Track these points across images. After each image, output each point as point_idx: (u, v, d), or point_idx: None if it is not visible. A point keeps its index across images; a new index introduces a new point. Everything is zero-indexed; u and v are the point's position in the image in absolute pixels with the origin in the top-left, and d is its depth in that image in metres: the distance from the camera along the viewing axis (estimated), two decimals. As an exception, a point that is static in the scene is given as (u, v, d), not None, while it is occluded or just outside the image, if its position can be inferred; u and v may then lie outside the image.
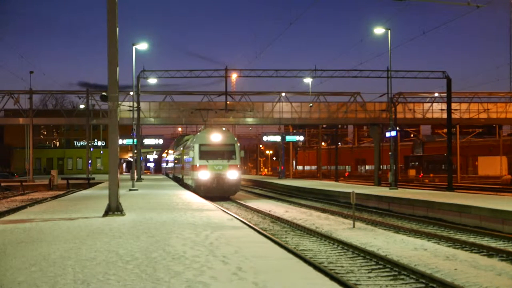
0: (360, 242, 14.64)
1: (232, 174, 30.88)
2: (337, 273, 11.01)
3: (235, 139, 32.73)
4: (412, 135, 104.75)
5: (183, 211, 17.92)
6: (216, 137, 31.60)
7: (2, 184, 45.36)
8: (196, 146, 31.39)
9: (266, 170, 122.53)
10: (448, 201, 21.29)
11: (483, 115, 55.20)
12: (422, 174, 78.88)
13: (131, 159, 56.44)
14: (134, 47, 35.59)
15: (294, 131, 74.06)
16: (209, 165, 30.85)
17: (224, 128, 36.94)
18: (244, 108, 52.20)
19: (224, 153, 31.28)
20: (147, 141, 55.74)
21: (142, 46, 35.86)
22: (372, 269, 11.62)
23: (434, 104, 54.36)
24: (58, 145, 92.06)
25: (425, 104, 54.83)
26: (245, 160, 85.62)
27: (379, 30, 34.28)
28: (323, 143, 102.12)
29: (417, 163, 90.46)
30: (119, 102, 16.93)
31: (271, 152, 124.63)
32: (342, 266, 12.00)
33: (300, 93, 55.54)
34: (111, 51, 16.33)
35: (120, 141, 44.76)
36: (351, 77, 50.79)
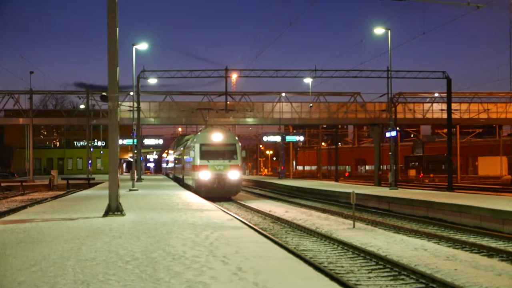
0: (360, 242, 14.64)
1: (233, 175, 30.74)
2: (337, 273, 11.01)
3: (236, 139, 32.56)
4: (412, 135, 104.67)
5: (183, 211, 17.92)
6: (217, 137, 31.48)
7: (2, 184, 45.36)
8: (197, 146, 31.28)
9: (266, 170, 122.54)
10: (448, 201, 21.28)
11: (483, 115, 55.17)
12: (422, 174, 78.87)
13: (131, 159, 56.43)
14: (134, 47, 35.57)
15: (294, 131, 74.10)
16: (210, 165, 30.73)
17: (224, 128, 36.89)
18: (244, 108, 52.16)
19: (225, 153, 31.15)
20: (147, 141, 55.72)
21: (142, 46, 35.84)
22: (372, 269, 11.62)
23: (434, 104, 54.33)
24: (58, 145, 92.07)
25: (425, 104, 54.79)
26: (245, 161, 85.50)
27: (379, 30, 34.24)
28: (323, 143, 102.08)
29: (417, 163, 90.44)
30: (119, 102, 16.92)
31: (271, 152, 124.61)
32: (342, 266, 12.00)
33: (300, 93, 55.52)
34: (111, 51, 16.32)
35: (120, 141, 44.75)
36: (351, 77, 50.75)
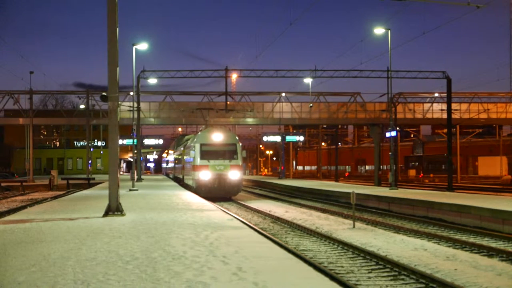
0: (360, 242, 14.64)
1: (234, 175, 30.61)
2: (337, 273, 11.01)
3: (237, 138, 32.40)
4: (412, 135, 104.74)
5: (183, 211, 17.91)
6: (217, 137, 31.37)
7: (2, 184, 45.38)
8: (197, 146, 31.19)
9: (266, 170, 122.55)
10: (448, 201, 21.28)
11: (483, 115, 55.20)
12: (422, 174, 78.89)
13: (131, 159, 56.43)
14: (134, 47, 35.56)
15: (294, 131, 74.12)
16: (210, 165, 30.61)
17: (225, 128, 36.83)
18: (244, 108, 52.18)
19: (225, 153, 31.03)
20: (147, 141, 55.75)
21: (142, 46, 35.82)
22: (372, 269, 11.62)
23: (434, 104, 54.37)
24: (58, 145, 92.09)
25: (425, 104, 54.84)
26: (245, 161, 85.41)
27: (379, 30, 34.24)
28: (323, 143, 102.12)
29: (417, 163, 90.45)
30: (119, 102, 16.91)
31: (271, 152, 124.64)
32: (342, 266, 12.00)
33: (300, 93, 55.56)
34: (111, 51, 16.31)
35: (120, 141, 44.75)
36: (351, 77, 50.81)
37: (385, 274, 11.17)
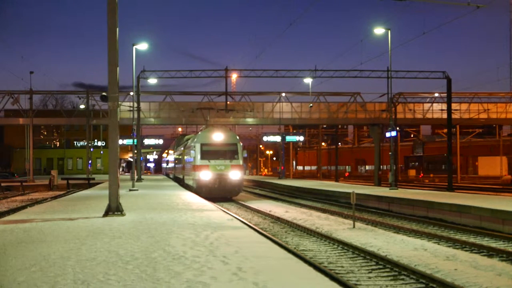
0: (360, 242, 14.65)
1: (235, 175, 30.51)
2: (337, 273, 11.01)
3: (237, 138, 32.28)
4: (412, 135, 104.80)
5: (183, 211, 17.92)
6: (218, 137, 31.27)
7: (2, 184, 45.34)
8: (197, 146, 31.10)
9: (266, 170, 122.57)
10: (448, 201, 21.28)
11: (483, 115, 55.19)
12: (422, 174, 78.91)
13: (131, 159, 56.41)
14: (134, 47, 35.55)
15: (294, 131, 74.15)
16: (210, 165, 30.51)
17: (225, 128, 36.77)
18: (244, 108, 52.16)
19: (226, 153, 30.93)
20: (147, 141, 55.76)
21: (142, 46, 35.81)
22: (372, 269, 11.62)
23: (434, 104, 54.37)
24: (58, 145, 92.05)
25: (425, 104, 54.84)
26: (246, 161, 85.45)
27: (379, 30, 34.23)
28: (323, 143, 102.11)
29: (417, 163, 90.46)
30: (119, 102, 16.91)
31: (271, 152, 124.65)
32: (342, 266, 12.00)
33: (300, 93, 55.53)
34: (111, 51, 16.31)
35: (120, 141, 44.74)
36: (351, 77, 50.81)
37: (385, 274, 11.18)
